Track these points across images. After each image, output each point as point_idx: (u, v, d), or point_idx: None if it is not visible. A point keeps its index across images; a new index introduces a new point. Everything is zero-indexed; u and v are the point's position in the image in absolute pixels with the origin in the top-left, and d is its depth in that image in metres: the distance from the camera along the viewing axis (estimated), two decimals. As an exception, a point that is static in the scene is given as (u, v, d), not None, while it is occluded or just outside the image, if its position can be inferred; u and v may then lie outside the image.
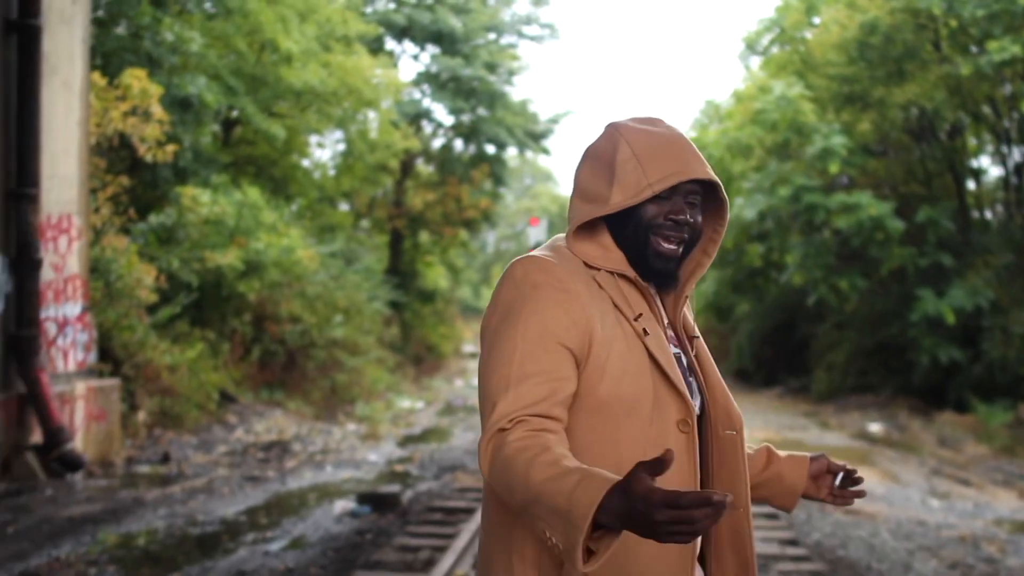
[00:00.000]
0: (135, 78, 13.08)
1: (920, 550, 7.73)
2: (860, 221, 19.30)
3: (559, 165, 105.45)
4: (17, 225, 9.64)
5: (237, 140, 20.81)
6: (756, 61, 26.97)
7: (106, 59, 15.50)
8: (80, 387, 10.25)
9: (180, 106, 15.82)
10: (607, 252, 2.04)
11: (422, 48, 28.23)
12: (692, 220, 2.03)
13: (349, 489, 9.54)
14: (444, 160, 28.76)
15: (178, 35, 16.07)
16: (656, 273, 2.05)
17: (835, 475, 2.30)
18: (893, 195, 21.36)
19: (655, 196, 2.00)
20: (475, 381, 25.08)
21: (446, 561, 6.48)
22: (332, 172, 25.17)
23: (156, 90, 13.18)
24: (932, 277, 19.35)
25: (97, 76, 13.24)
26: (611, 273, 2.03)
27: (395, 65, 26.35)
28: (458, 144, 29.31)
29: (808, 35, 23.41)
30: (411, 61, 43.73)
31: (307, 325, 16.60)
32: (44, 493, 8.81)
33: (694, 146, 2.05)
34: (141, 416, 11.75)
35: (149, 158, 13.28)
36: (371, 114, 23.39)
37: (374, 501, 8.47)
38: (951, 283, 18.73)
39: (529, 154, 45.42)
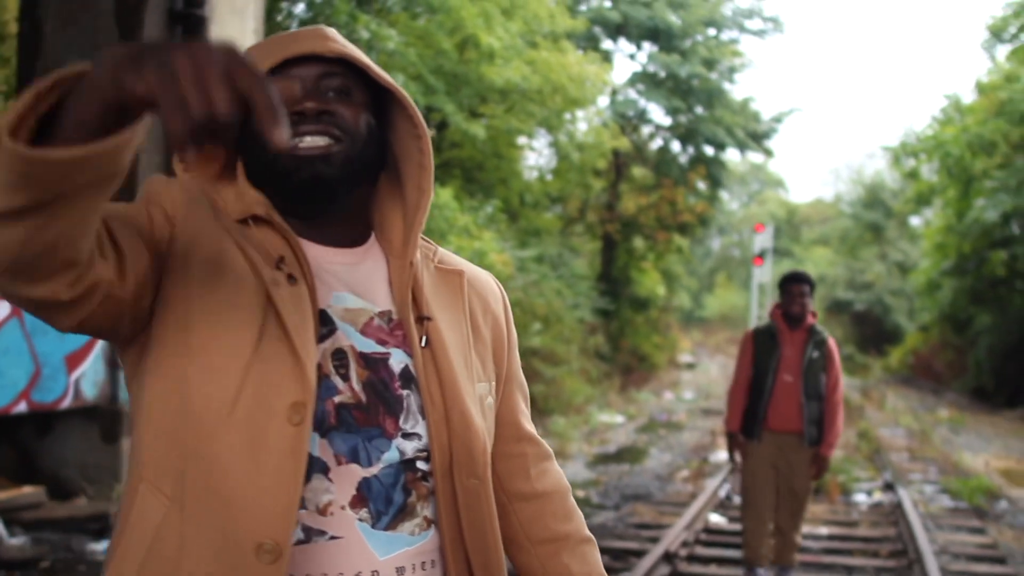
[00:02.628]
0: (320, 74, 12.66)
1: None
2: (1125, 226, 17.06)
3: (789, 170, 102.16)
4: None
5: (448, 143, 20.42)
6: (1003, 51, 24.68)
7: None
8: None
9: (374, 105, 15.44)
10: (241, 196, 1.47)
11: (638, 46, 27.25)
12: (333, 109, 1.45)
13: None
14: (659, 162, 27.70)
15: (374, 33, 15.71)
16: (308, 190, 1.44)
17: None
18: None
19: None
20: (686, 394, 24.18)
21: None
22: (540, 175, 24.55)
23: (341, 86, 12.71)
24: None
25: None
26: (242, 223, 1.45)
27: (609, 63, 25.48)
28: (675, 146, 28.21)
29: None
30: (627, 60, 42.79)
31: (502, 333, 15.90)
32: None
33: (329, 31, 1.51)
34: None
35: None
36: (580, 114, 22.61)
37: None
38: None
39: (758, 158, 44.15)
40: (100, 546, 7.07)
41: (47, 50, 9.22)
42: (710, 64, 26.48)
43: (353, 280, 1.50)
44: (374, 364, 1.44)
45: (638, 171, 28.32)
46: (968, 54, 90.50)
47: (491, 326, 1.64)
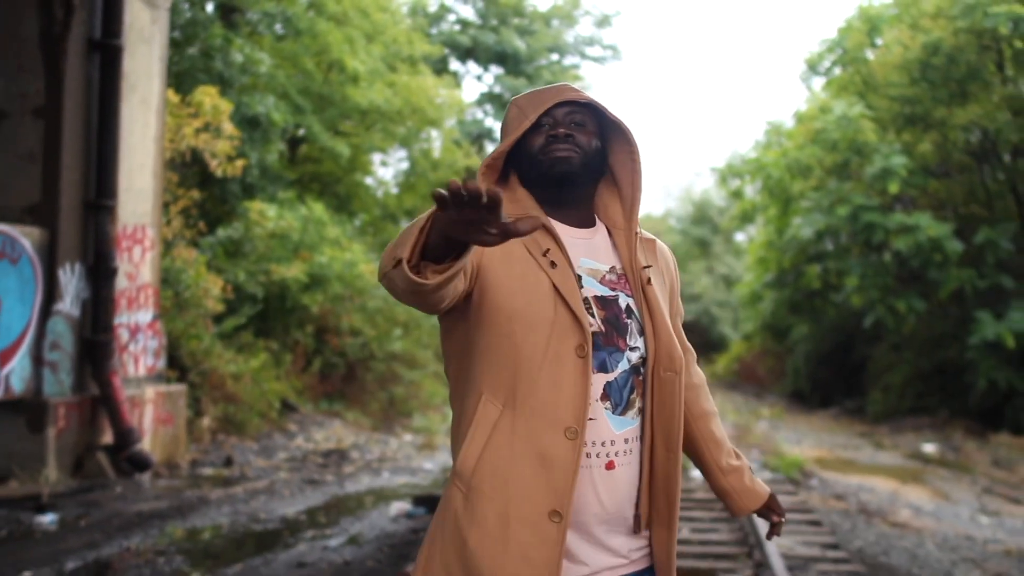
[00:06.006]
0: (207, 95, 13.55)
1: (963, 561, 7.84)
2: (919, 242, 19.20)
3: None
4: (95, 235, 10.10)
5: (303, 158, 21.33)
6: (818, 83, 26.94)
7: (179, 79, 16.05)
8: (149, 391, 10.68)
9: (248, 124, 16.32)
10: (518, 201, 2.22)
11: (486, 69, 28.66)
12: (574, 134, 2.20)
13: (405, 493, 9.85)
14: (505, 179, 28.94)
15: (248, 56, 16.60)
16: (560, 179, 2.19)
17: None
18: (954, 216, 21.21)
19: (537, 128, 2.20)
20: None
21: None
22: (395, 190, 25.59)
23: (226, 106, 13.64)
24: (991, 299, 19.20)
25: (171, 93, 13.76)
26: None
27: (459, 85, 26.79)
28: (520, 163, 29.48)
29: (870, 56, 23.38)
30: (475, 82, 44.42)
31: (367, 338, 16.93)
32: (114, 491, 9.22)
33: (574, 87, 2.27)
34: (206, 422, 12.17)
35: (220, 173, 13.73)
36: (434, 133, 23.80)
37: (430, 503, 8.75)
38: (1011, 306, 18.57)
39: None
40: (46, 519, 7.93)
41: (-31, 73, 9.99)
42: (554, 88, 28.00)
43: (590, 248, 2.22)
44: (609, 304, 2.16)
45: (486, 187, 29.48)
46: (789, 84, 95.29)
47: (668, 279, 2.36)
